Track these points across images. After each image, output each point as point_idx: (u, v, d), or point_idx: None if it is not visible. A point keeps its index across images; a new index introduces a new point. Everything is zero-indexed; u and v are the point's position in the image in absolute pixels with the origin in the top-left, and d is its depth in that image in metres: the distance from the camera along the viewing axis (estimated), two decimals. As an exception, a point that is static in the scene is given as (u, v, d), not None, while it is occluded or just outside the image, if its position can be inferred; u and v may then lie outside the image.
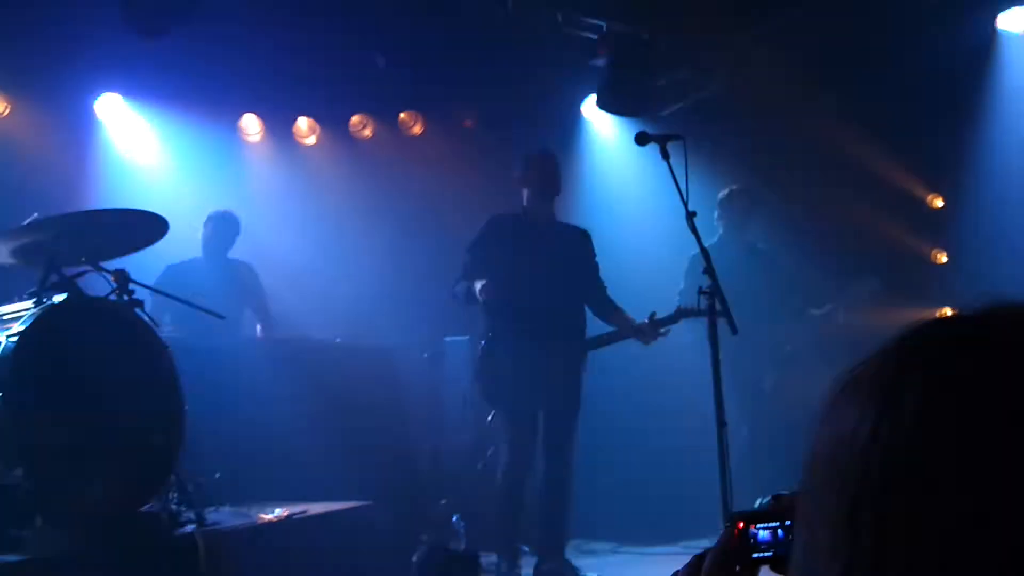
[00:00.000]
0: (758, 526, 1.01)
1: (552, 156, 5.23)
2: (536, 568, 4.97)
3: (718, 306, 3.62)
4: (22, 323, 3.14)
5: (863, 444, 0.65)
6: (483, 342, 5.02)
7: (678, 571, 1.05)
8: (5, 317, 3.35)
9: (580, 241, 5.30)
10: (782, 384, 6.02)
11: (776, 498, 1.05)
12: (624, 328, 5.09)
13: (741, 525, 1.02)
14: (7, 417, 3.00)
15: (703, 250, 3.72)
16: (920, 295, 6.59)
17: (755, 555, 1.01)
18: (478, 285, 4.77)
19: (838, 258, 6.65)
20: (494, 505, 5.01)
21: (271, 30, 6.32)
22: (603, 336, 5.24)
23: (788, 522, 1.00)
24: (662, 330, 4.99)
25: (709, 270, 3.63)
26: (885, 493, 0.63)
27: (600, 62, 7.06)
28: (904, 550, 0.62)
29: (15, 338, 3.08)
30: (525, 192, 5.18)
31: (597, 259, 5.33)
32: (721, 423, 3.52)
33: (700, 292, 3.67)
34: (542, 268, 5.00)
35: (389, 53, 6.27)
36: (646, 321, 4.96)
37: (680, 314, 4.94)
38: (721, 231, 6.13)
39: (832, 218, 6.93)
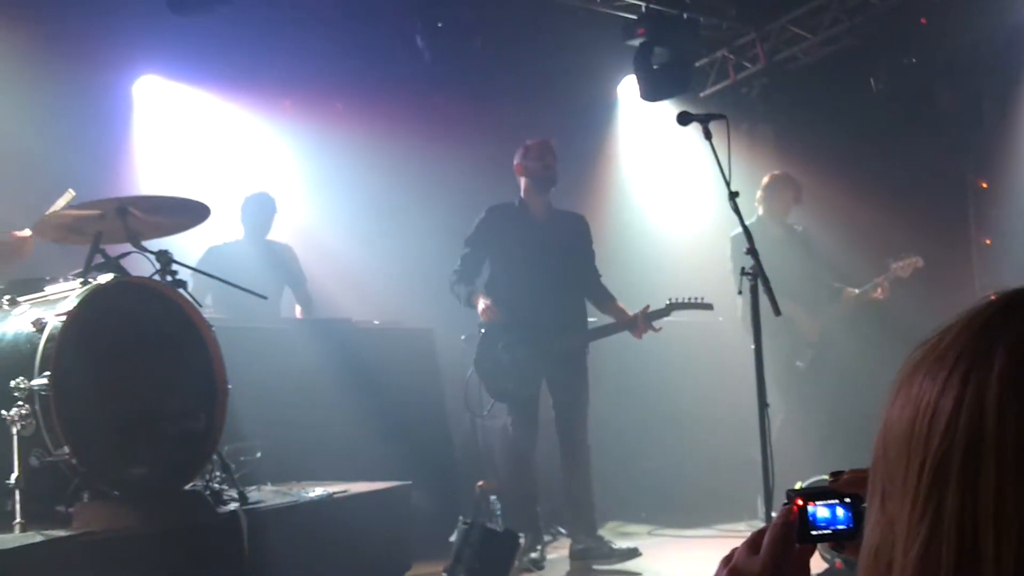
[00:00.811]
0: (816, 503, 1.01)
1: (550, 146, 5.26)
2: (571, 548, 5.10)
3: (761, 287, 3.58)
4: (69, 303, 3.18)
5: (948, 415, 0.64)
6: (482, 330, 5.10)
7: (735, 548, 1.05)
8: (52, 297, 3.41)
9: (578, 228, 5.37)
10: (817, 364, 5.97)
11: (835, 475, 1.04)
12: (619, 320, 5.17)
13: (800, 502, 1.01)
14: (55, 395, 3.05)
15: (745, 230, 3.69)
16: (961, 276, 6.51)
17: (814, 533, 1.00)
18: (481, 304, 4.94)
19: (879, 239, 6.57)
20: (508, 487, 5.11)
21: (309, 10, 6.35)
22: (601, 328, 5.32)
23: (847, 499, 1.00)
24: (655, 323, 5.05)
25: (752, 251, 3.60)
26: (972, 461, 0.63)
27: (637, 42, 7.00)
28: (992, 519, 0.62)
29: (63, 317, 3.13)
30: (523, 181, 5.26)
31: (594, 246, 5.39)
32: (763, 404, 3.49)
33: (742, 273, 3.65)
34: (541, 258, 5.09)
35: (426, 34, 6.25)
36: (639, 314, 5.03)
37: (672, 307, 5.05)
38: (761, 212, 6.10)
39: (874, 199, 6.85)
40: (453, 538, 4.34)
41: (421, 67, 6.63)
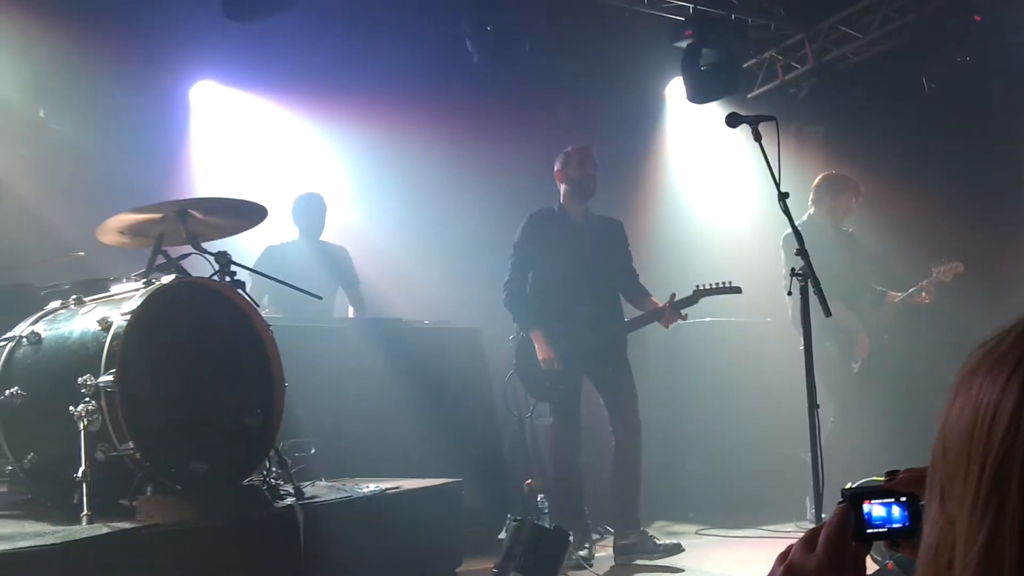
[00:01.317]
0: (872, 502, 1.01)
1: (591, 154, 5.39)
2: (615, 543, 5.18)
3: (811, 287, 3.58)
4: (134, 303, 3.28)
5: (1009, 417, 0.66)
6: (520, 334, 5.27)
7: (791, 545, 1.06)
8: (117, 297, 3.52)
9: (615, 233, 5.51)
10: (869, 366, 5.94)
11: (890, 474, 1.05)
12: (643, 314, 5.30)
13: (855, 501, 1.02)
14: (120, 392, 3.14)
15: (795, 231, 3.69)
16: (1017, 278, 6.41)
17: (869, 531, 1.01)
18: (540, 352, 5.09)
19: (932, 241, 6.51)
20: (555, 485, 5.19)
21: (360, 15, 6.44)
22: (631, 321, 5.39)
23: (904, 498, 1.01)
24: (682, 311, 5.14)
25: (801, 251, 3.60)
26: None
27: (685, 44, 7.00)
28: None
29: (127, 317, 3.22)
30: (563, 188, 5.41)
31: (630, 248, 5.52)
32: (813, 405, 3.50)
33: (792, 273, 3.65)
34: (579, 261, 5.25)
35: (475, 38, 6.31)
36: (666, 304, 5.14)
37: (698, 294, 5.12)
38: (812, 211, 6.09)
39: (926, 201, 6.78)
40: (502, 535, 4.40)
41: (470, 70, 6.70)
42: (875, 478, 1.07)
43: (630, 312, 5.46)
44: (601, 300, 5.28)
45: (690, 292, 5.10)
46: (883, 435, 5.65)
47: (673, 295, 5.13)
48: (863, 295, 6.01)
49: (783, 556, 1.04)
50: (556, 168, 5.40)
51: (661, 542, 5.14)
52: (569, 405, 5.23)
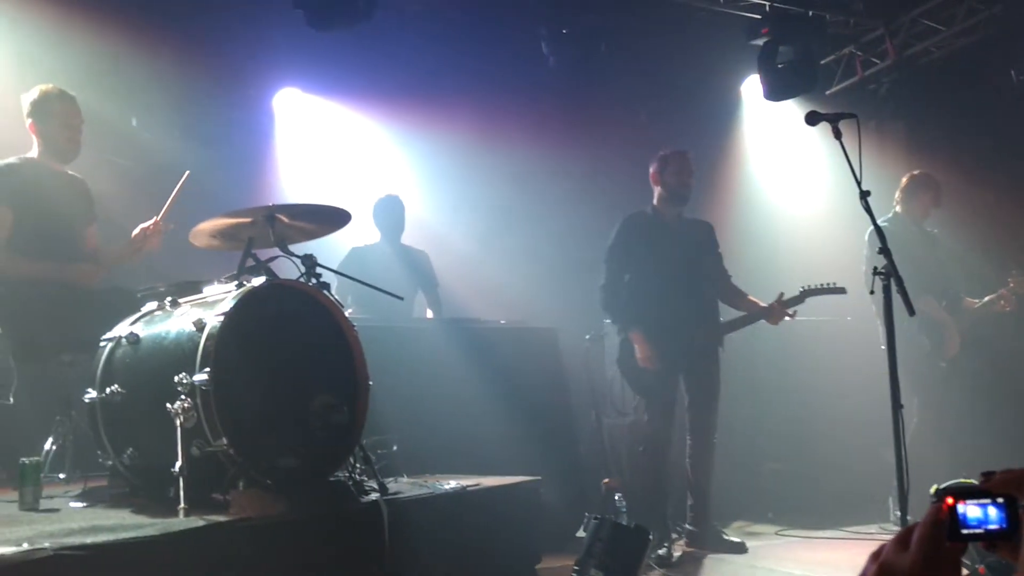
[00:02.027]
0: (967, 502, 1.00)
1: (688, 161, 5.45)
2: (684, 529, 5.40)
3: (894, 286, 3.55)
4: (227, 304, 3.40)
5: None
6: (623, 334, 5.35)
7: (884, 544, 1.05)
8: (210, 299, 3.65)
9: (707, 235, 5.60)
10: (957, 366, 5.84)
11: (986, 475, 1.04)
12: (753, 311, 5.38)
13: (951, 501, 1.00)
14: (214, 390, 3.25)
15: (878, 230, 3.66)
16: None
17: (964, 532, 1.00)
18: (639, 351, 5.17)
19: (1008, 241, 6.37)
20: (640, 482, 5.37)
21: (437, 22, 6.54)
22: (734, 321, 5.50)
23: (1000, 499, 1.00)
24: (789, 311, 5.31)
25: (884, 249, 3.57)
26: None
27: (761, 41, 6.95)
28: None
29: (221, 318, 3.33)
30: (657, 191, 5.47)
31: (720, 249, 5.63)
32: (896, 405, 3.46)
33: (875, 272, 3.61)
34: (674, 263, 5.34)
35: (551, 41, 6.36)
36: (774, 303, 5.29)
37: (805, 294, 5.27)
38: (898, 210, 6.04)
39: (1012, 199, 6.62)
40: (580, 534, 4.43)
41: (546, 73, 6.75)
42: (963, 480, 1.06)
43: (727, 313, 5.49)
44: (697, 301, 5.37)
45: (797, 292, 5.26)
46: (969, 436, 5.54)
47: (781, 294, 5.28)
48: (943, 296, 5.93)
49: (875, 555, 1.04)
50: (651, 171, 5.47)
51: (727, 538, 5.28)
52: (666, 406, 5.33)
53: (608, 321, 6.51)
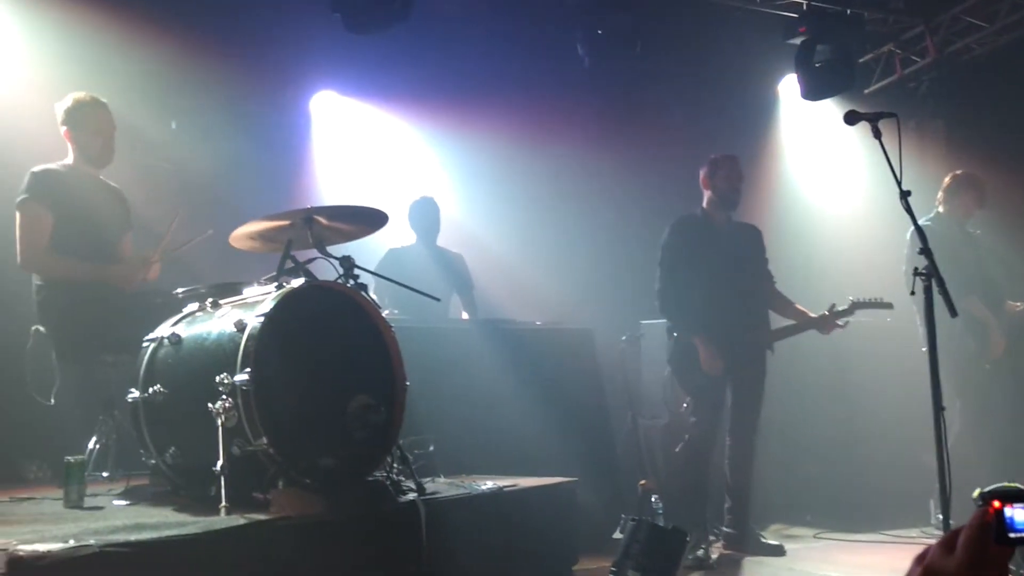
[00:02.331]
0: (1015, 506, 0.99)
1: (738, 166, 5.47)
2: (722, 531, 5.40)
3: (935, 287, 3.51)
4: (267, 305, 3.44)
5: None
6: (675, 334, 5.37)
7: (929, 547, 1.05)
8: (250, 300, 3.69)
9: (755, 238, 5.61)
10: (1001, 368, 5.76)
11: None
12: (801, 321, 5.43)
13: (998, 504, 0.99)
14: (255, 390, 3.28)
15: (918, 230, 3.61)
16: None
17: (1012, 535, 0.99)
18: (703, 353, 5.18)
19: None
20: (680, 482, 5.38)
21: (472, 24, 6.56)
22: (784, 328, 5.52)
23: None
24: (839, 322, 5.35)
25: (925, 250, 3.53)
26: None
27: (799, 40, 6.90)
28: None
29: (261, 319, 3.37)
30: (707, 195, 5.48)
31: (767, 254, 5.63)
32: (938, 407, 3.42)
33: (915, 273, 3.57)
34: (725, 266, 5.34)
35: (586, 42, 6.36)
36: (825, 313, 5.34)
37: (855, 306, 5.34)
38: (940, 210, 5.98)
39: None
40: (617, 535, 4.43)
41: (581, 73, 6.75)
42: (1007, 484, 1.05)
43: (775, 320, 5.54)
44: (747, 304, 5.40)
45: (847, 304, 5.34)
46: (1012, 438, 5.46)
47: (833, 305, 5.35)
48: (986, 298, 5.85)
49: (920, 558, 1.04)
50: (702, 175, 5.48)
51: (765, 541, 5.27)
52: (715, 407, 5.34)
53: (645, 322, 6.51)
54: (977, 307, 5.71)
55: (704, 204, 5.49)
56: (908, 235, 5.66)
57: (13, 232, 4.48)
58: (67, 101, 4.60)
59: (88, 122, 4.59)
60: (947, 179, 6.05)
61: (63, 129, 4.61)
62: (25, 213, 4.45)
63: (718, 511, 5.49)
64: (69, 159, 4.65)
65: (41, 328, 4.38)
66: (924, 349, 3.68)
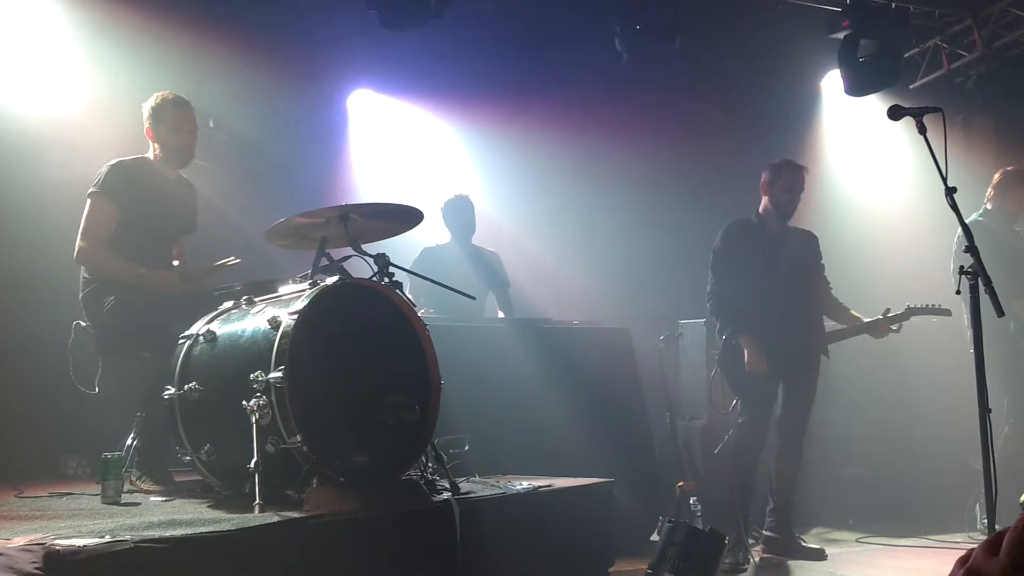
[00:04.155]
0: None
1: (802, 177, 5.37)
2: (762, 535, 5.35)
3: (982, 286, 3.41)
4: (301, 302, 3.43)
5: None
6: (724, 336, 5.32)
7: (972, 549, 1.03)
8: (285, 297, 3.69)
9: (811, 244, 5.55)
10: None
11: None
12: (855, 325, 5.40)
13: None
14: (289, 388, 3.28)
15: (965, 228, 3.52)
16: None
17: None
18: (748, 355, 5.12)
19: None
20: (725, 482, 5.32)
21: (510, 20, 6.53)
22: (840, 331, 5.51)
23: None
24: (893, 326, 5.33)
25: (971, 248, 3.43)
26: None
27: (842, 35, 6.78)
28: None
29: (295, 316, 3.37)
30: (765, 200, 5.41)
31: (823, 260, 5.55)
32: (984, 409, 3.33)
33: (961, 271, 3.48)
34: (778, 270, 5.29)
35: (624, 37, 6.30)
36: (880, 317, 5.32)
37: (910, 312, 5.32)
38: (989, 207, 5.85)
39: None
40: (654, 537, 4.37)
41: (620, 69, 6.69)
42: None
43: (829, 325, 5.50)
44: (800, 310, 5.34)
45: (903, 309, 5.33)
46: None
47: (887, 310, 5.33)
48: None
49: (963, 560, 1.01)
50: (763, 179, 5.41)
51: (806, 545, 5.21)
52: (764, 409, 5.29)
53: (683, 321, 6.44)
54: None
55: (760, 209, 5.42)
56: (957, 234, 5.55)
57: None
58: (152, 100, 4.64)
59: (167, 120, 4.61)
60: (997, 175, 5.92)
61: (146, 126, 4.64)
62: (93, 205, 4.48)
63: (759, 514, 5.42)
64: (149, 154, 4.67)
65: (83, 323, 4.42)
66: (971, 351, 3.58)
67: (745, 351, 5.16)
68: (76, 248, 4.46)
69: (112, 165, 4.53)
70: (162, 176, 4.66)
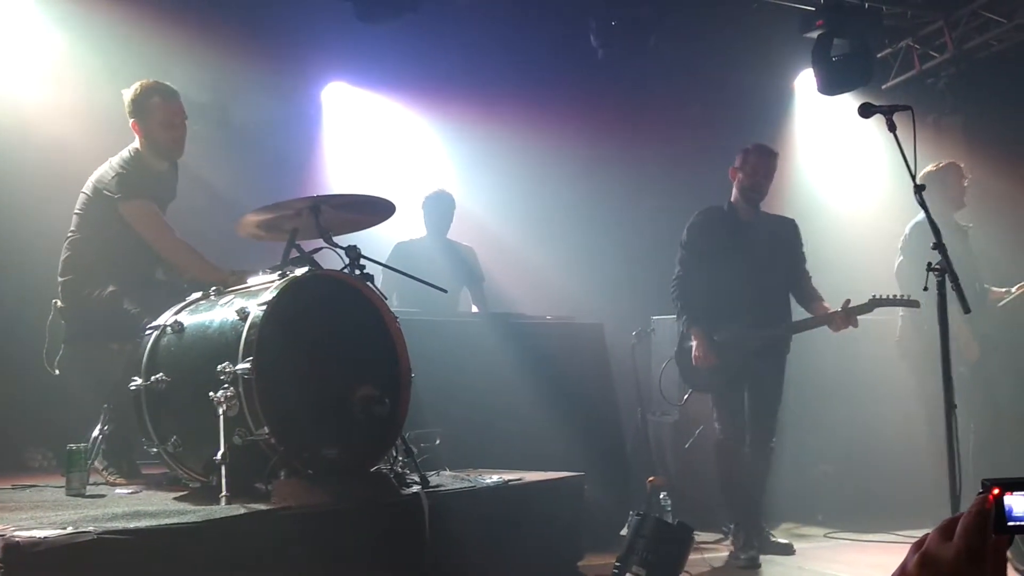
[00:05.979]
0: (1015, 493, 0.97)
1: (768, 163, 5.24)
2: (732, 530, 5.27)
3: (949, 283, 3.44)
4: (270, 294, 3.41)
5: None
6: (682, 328, 5.24)
7: (927, 534, 1.02)
8: (254, 288, 3.66)
9: (787, 232, 5.40)
10: (979, 369, 5.62)
11: None
12: (819, 315, 5.16)
13: (997, 491, 0.97)
14: (257, 379, 3.25)
15: (932, 225, 3.55)
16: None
17: (1011, 524, 0.96)
18: (696, 349, 5.05)
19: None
20: (718, 484, 5.24)
21: (485, 15, 6.52)
22: (798, 322, 5.29)
23: None
24: (853, 320, 5.04)
25: (939, 245, 3.46)
26: None
27: (816, 34, 6.82)
28: None
29: (263, 307, 3.34)
30: (734, 186, 5.28)
31: (804, 249, 5.40)
32: (950, 405, 3.36)
33: (929, 268, 3.51)
34: (746, 258, 5.16)
35: (600, 33, 6.31)
36: (839, 310, 5.04)
37: (874, 303, 5.01)
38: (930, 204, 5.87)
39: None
40: (624, 532, 4.38)
41: (594, 65, 6.70)
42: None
43: (798, 313, 5.35)
44: (767, 300, 5.20)
45: (866, 300, 5.03)
46: (997, 438, 5.40)
47: (847, 301, 5.06)
48: (970, 289, 5.72)
49: (918, 544, 1.01)
50: (733, 165, 5.30)
51: (774, 540, 5.20)
52: (732, 402, 5.18)
53: (656, 317, 6.46)
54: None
55: (731, 196, 5.32)
56: (908, 228, 5.56)
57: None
58: (133, 89, 4.38)
59: (157, 113, 4.37)
60: (933, 168, 5.83)
61: (131, 121, 4.40)
62: (136, 212, 4.32)
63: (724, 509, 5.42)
64: (136, 144, 4.43)
65: (59, 303, 4.37)
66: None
67: (694, 343, 5.10)
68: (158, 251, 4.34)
69: (120, 173, 4.34)
70: (155, 170, 4.54)
